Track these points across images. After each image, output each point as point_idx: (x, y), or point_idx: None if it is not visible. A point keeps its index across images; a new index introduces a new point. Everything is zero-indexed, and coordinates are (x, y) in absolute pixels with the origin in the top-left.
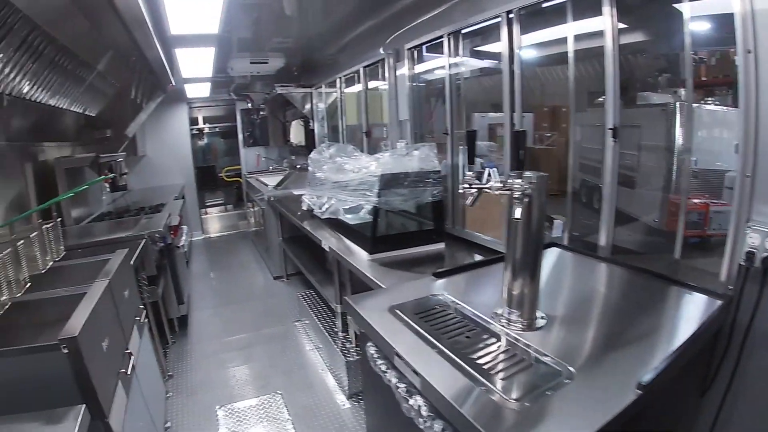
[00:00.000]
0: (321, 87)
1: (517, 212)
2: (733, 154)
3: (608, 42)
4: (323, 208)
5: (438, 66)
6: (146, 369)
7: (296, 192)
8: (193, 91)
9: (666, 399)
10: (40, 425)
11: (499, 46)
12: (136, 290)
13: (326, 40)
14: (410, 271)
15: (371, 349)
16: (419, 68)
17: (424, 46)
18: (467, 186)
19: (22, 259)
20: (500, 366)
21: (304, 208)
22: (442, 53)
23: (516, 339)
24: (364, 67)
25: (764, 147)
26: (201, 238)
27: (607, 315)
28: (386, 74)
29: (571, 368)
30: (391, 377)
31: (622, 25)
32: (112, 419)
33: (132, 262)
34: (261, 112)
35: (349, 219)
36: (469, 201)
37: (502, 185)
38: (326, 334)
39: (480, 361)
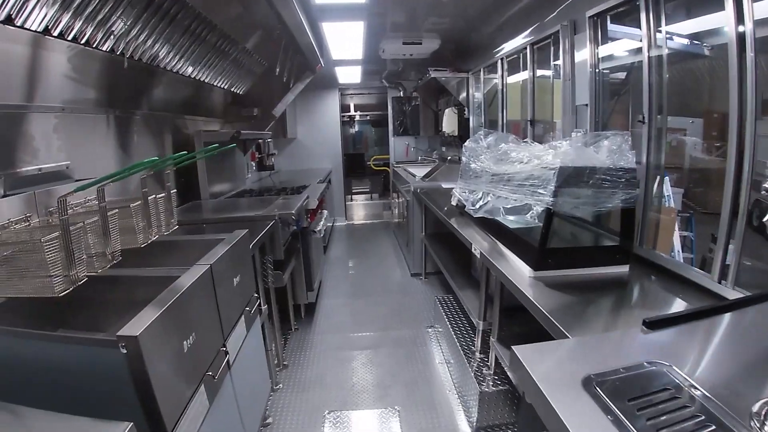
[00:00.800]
0: (479, 72)
1: None
2: None
3: None
4: (477, 205)
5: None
6: (249, 364)
7: (445, 185)
8: (344, 76)
9: None
10: None
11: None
12: (251, 276)
13: (487, 16)
14: (586, 300)
15: None
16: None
17: (608, 15)
18: None
19: (113, 231)
20: None
21: (453, 203)
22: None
23: None
24: (532, 44)
25: None
26: (344, 224)
27: None
28: (560, 50)
29: None
30: None
31: None
32: None
33: (252, 245)
34: (413, 101)
35: (510, 221)
36: None
37: None
38: (460, 349)
39: None
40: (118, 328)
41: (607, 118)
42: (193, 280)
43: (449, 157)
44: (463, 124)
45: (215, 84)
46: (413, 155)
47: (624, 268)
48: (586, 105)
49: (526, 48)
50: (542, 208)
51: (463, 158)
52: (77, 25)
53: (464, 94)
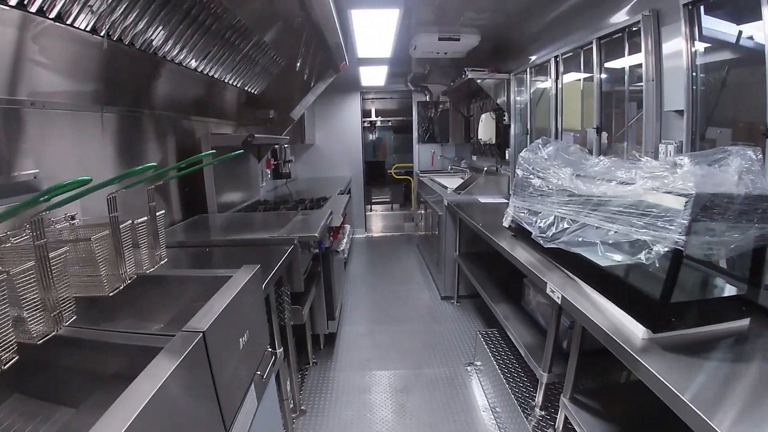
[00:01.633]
0: (524, 73)
1: None
2: None
3: None
4: (548, 233)
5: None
6: None
7: (483, 199)
8: (367, 77)
9: None
10: None
11: None
12: (263, 324)
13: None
14: (716, 369)
15: None
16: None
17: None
18: None
19: (58, 281)
20: None
21: (505, 224)
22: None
23: None
24: (599, 39)
25: None
26: (363, 237)
27: None
28: (642, 44)
29: None
30: None
31: None
32: None
33: (266, 283)
34: (441, 105)
35: (602, 258)
36: None
37: None
38: (512, 396)
39: None
40: None
41: (704, 128)
42: (176, 363)
43: (485, 168)
44: (501, 131)
45: (227, 81)
46: (439, 164)
47: (744, 322)
48: (679, 111)
49: (590, 44)
50: (667, 249)
51: (519, 171)
52: None
53: (504, 98)
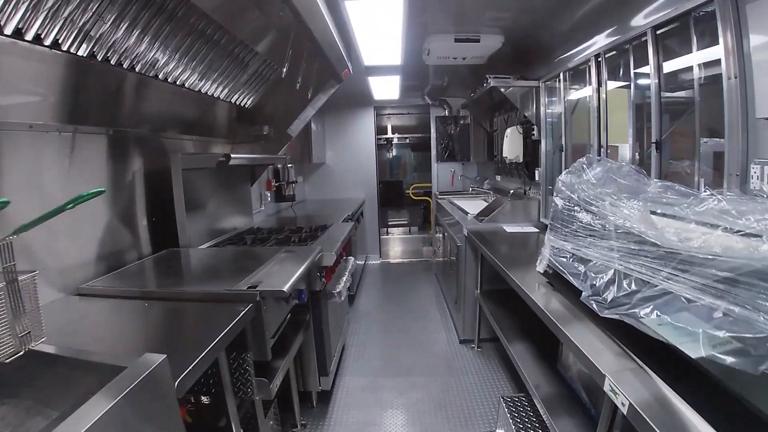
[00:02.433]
0: (555, 78)
1: None
2: None
3: None
4: (605, 294)
5: None
6: None
7: (509, 228)
8: (379, 90)
9: None
10: None
11: None
12: None
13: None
14: None
15: None
16: None
17: None
18: None
19: None
20: None
21: (540, 269)
22: None
23: None
24: (654, 29)
25: None
26: (378, 263)
27: None
28: (720, 28)
29: None
30: None
31: None
32: None
33: (205, 353)
34: (461, 120)
35: (701, 352)
36: None
37: None
38: None
39: None
40: None
41: None
42: None
43: (512, 191)
44: (531, 147)
45: (208, 92)
46: (460, 184)
47: None
48: None
49: (643, 36)
50: None
51: (558, 200)
52: None
53: (532, 109)
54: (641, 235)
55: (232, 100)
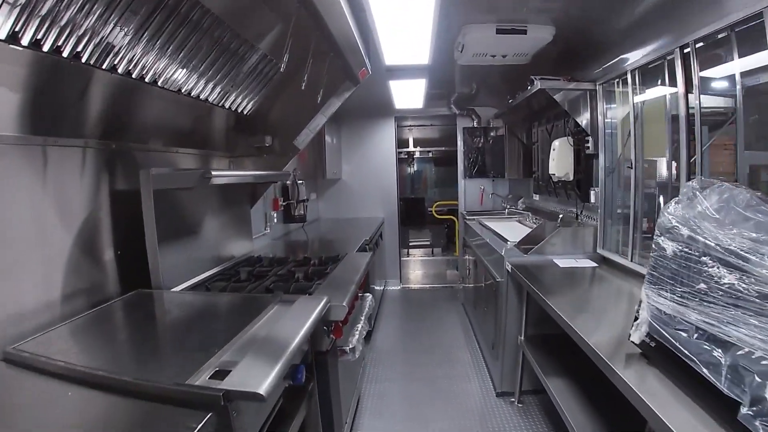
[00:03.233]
0: (617, 80)
1: None
2: None
3: None
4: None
5: None
6: None
7: (561, 262)
8: (401, 98)
9: None
10: None
11: None
12: None
13: None
14: None
15: None
16: None
17: None
18: None
19: None
20: None
21: (636, 339)
22: None
23: None
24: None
25: None
26: (397, 289)
27: None
28: None
29: None
30: None
31: None
32: None
33: None
34: (492, 132)
35: None
36: None
37: None
38: None
39: None
40: None
41: None
42: None
43: (561, 215)
44: (585, 163)
45: (200, 96)
46: (490, 203)
47: None
48: None
49: (755, 18)
50: None
51: (668, 244)
52: None
53: (586, 117)
54: None
55: (228, 105)
